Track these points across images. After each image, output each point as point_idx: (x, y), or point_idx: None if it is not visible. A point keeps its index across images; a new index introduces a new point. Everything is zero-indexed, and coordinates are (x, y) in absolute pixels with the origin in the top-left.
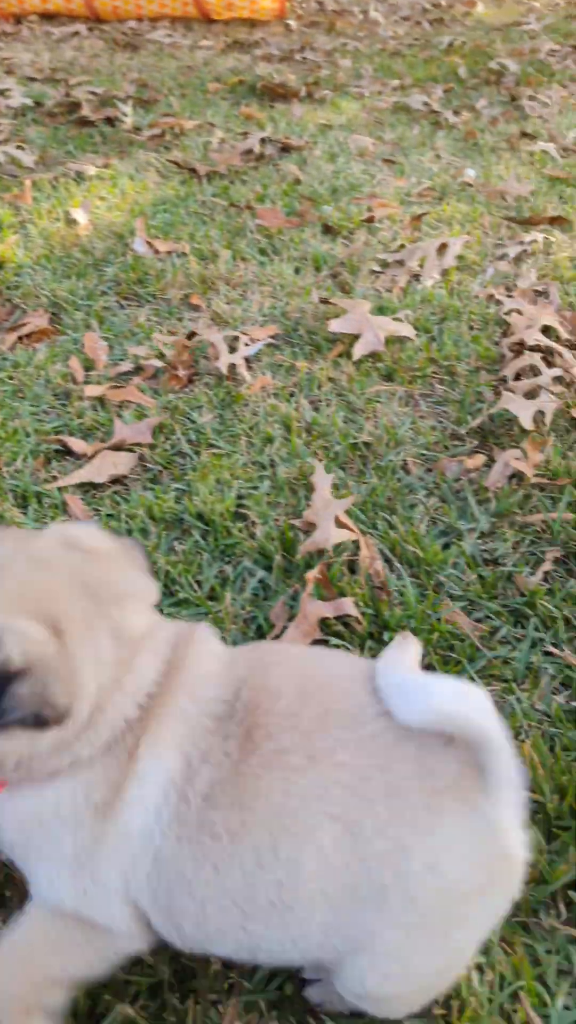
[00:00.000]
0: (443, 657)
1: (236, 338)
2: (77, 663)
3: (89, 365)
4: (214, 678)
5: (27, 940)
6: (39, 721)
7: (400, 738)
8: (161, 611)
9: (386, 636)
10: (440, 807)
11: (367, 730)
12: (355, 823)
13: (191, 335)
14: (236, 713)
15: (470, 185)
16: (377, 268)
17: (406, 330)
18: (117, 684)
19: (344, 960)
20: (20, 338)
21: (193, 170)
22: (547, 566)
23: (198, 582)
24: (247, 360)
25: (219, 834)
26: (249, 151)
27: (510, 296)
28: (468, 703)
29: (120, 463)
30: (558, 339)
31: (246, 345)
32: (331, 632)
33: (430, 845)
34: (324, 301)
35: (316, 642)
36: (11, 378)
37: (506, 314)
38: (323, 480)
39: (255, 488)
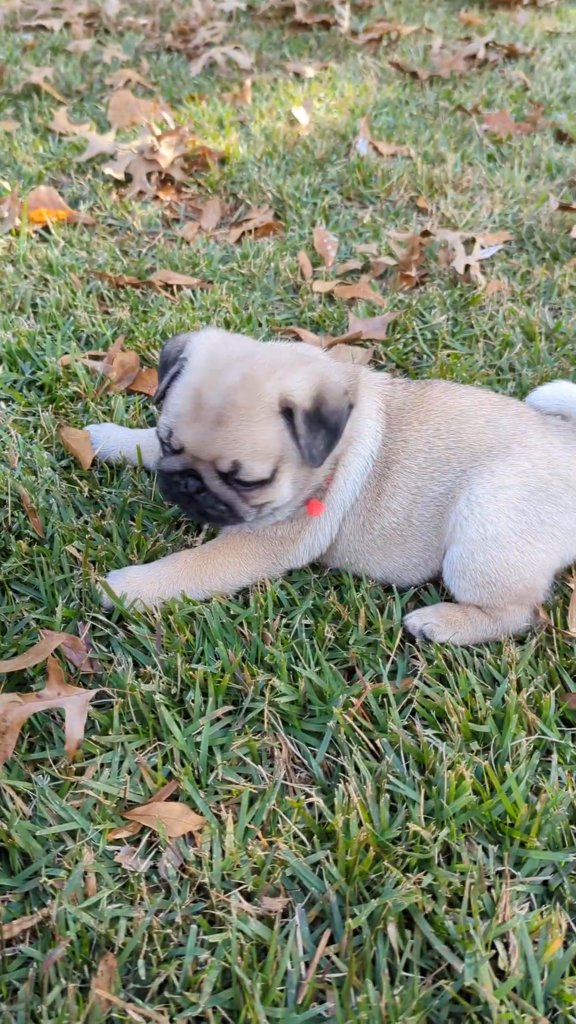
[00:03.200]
0: None
1: (471, 240)
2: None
3: (317, 261)
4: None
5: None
6: (351, 405)
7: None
8: None
9: None
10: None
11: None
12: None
13: (425, 233)
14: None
15: None
16: None
17: None
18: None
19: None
20: (245, 232)
21: (414, 74)
22: None
23: None
24: (480, 263)
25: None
26: (472, 56)
27: None
28: None
29: (356, 356)
30: None
31: (481, 248)
32: None
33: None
34: (565, 207)
35: None
36: (240, 269)
37: None
38: None
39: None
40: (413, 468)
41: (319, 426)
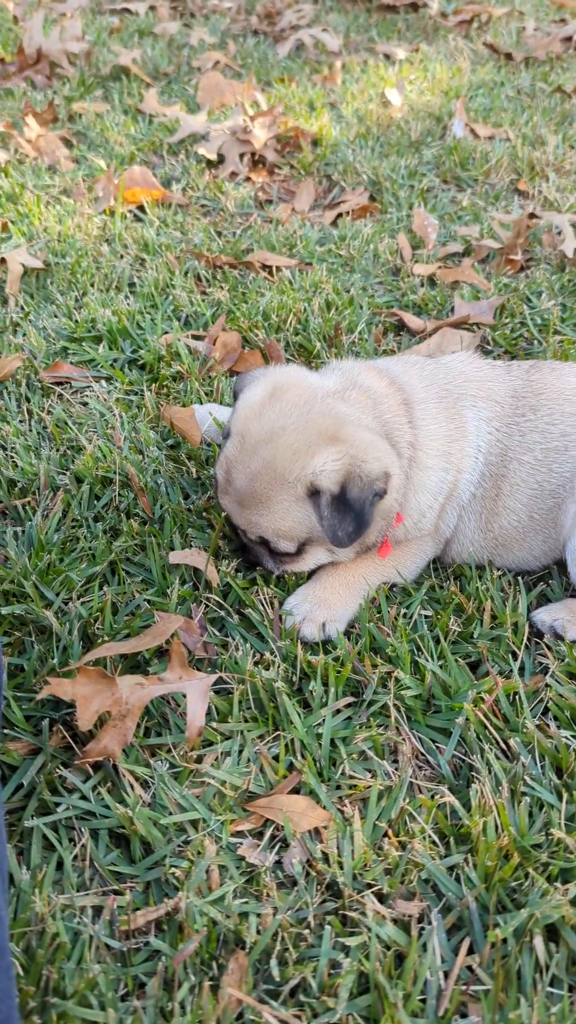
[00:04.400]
0: None
1: None
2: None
3: (417, 243)
4: None
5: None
6: (378, 495)
7: None
8: None
9: None
10: None
11: None
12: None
13: (532, 215)
14: None
15: None
16: None
17: None
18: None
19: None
20: (340, 214)
21: (508, 55)
22: None
23: None
24: None
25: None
26: (568, 38)
27: None
28: None
29: (464, 340)
30: None
31: None
32: None
33: None
34: None
35: None
36: (338, 250)
37: None
38: None
39: None
40: (530, 462)
41: (347, 509)
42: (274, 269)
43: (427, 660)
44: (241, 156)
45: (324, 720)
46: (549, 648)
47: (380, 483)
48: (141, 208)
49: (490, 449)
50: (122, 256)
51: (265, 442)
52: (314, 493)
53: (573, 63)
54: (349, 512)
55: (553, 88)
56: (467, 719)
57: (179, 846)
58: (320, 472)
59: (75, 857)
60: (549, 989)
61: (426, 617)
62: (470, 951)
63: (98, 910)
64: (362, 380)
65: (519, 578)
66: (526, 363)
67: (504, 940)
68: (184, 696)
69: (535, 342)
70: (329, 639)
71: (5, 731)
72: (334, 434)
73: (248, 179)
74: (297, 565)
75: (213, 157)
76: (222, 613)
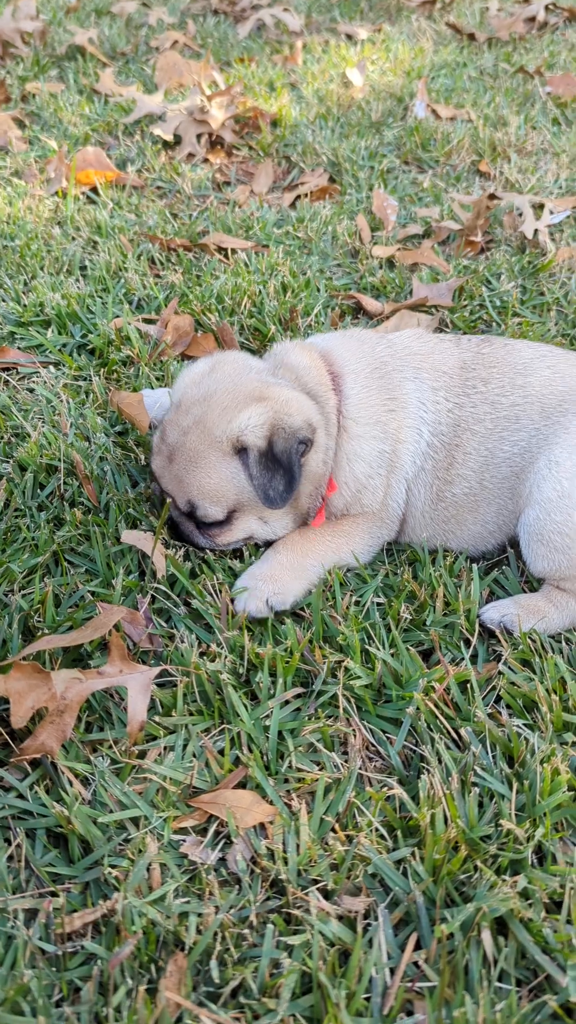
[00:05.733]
0: None
1: (540, 205)
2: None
3: (376, 225)
4: None
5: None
6: (303, 443)
7: None
8: None
9: None
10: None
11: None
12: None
13: (491, 197)
14: None
15: None
16: None
17: None
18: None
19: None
20: (299, 196)
21: (471, 36)
22: None
23: None
24: (549, 229)
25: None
26: (532, 18)
27: None
28: None
29: (423, 323)
30: None
31: (551, 213)
32: None
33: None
34: None
35: None
36: (296, 232)
37: None
38: None
39: None
40: (481, 431)
41: (276, 466)
42: (230, 252)
43: (378, 649)
44: (199, 137)
45: (272, 712)
46: (503, 636)
47: (304, 431)
48: (94, 190)
49: (438, 419)
50: (74, 239)
51: (198, 402)
52: (241, 450)
53: (536, 44)
54: (278, 468)
55: (516, 69)
56: (417, 708)
57: (119, 845)
58: (245, 427)
59: (10, 858)
60: (497, 984)
61: (378, 605)
62: (417, 946)
63: (33, 913)
64: (290, 358)
65: (473, 565)
66: (477, 337)
67: (451, 935)
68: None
69: (494, 324)
70: (274, 611)
71: None
72: (260, 394)
73: (206, 160)
74: (226, 536)
75: (169, 138)
76: (169, 604)
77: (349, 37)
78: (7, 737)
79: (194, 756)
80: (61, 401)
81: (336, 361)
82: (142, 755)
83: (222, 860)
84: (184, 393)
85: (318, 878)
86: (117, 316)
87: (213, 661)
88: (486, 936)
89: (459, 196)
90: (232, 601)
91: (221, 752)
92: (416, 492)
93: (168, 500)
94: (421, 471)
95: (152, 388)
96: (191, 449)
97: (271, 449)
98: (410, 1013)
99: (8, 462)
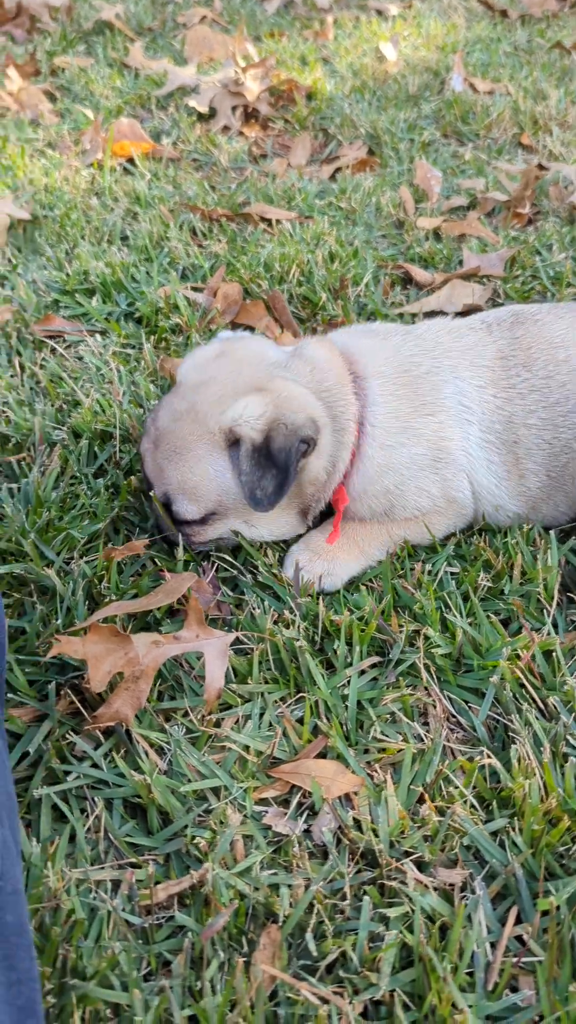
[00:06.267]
0: None
1: None
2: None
3: (420, 197)
4: None
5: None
6: (304, 442)
7: None
8: None
9: None
10: None
11: None
12: None
13: (540, 167)
14: None
15: None
16: None
17: None
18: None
19: None
20: (338, 169)
21: (503, 13)
22: None
23: None
24: None
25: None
26: None
27: None
28: None
29: (476, 293)
30: None
31: None
32: None
33: None
34: None
35: None
36: (339, 203)
37: None
38: None
39: None
40: (536, 423)
41: (269, 463)
42: (273, 222)
43: (456, 617)
44: (233, 109)
45: (349, 681)
46: None
47: (307, 430)
48: (130, 161)
49: (489, 418)
50: (112, 209)
51: (196, 388)
52: (234, 443)
53: (569, 20)
54: (271, 467)
55: (551, 44)
56: (502, 677)
57: (200, 815)
58: (240, 417)
59: (87, 829)
60: None
61: (452, 574)
62: (518, 920)
63: (115, 884)
64: (309, 352)
65: (549, 532)
66: (505, 318)
67: (557, 908)
68: (200, 656)
69: (548, 294)
70: (324, 592)
71: (8, 697)
72: (262, 385)
73: (241, 133)
74: (200, 537)
75: (204, 110)
76: (234, 572)
77: (379, 13)
78: (79, 705)
79: (272, 725)
80: (111, 368)
81: (359, 361)
82: (218, 724)
83: (307, 832)
84: (186, 376)
85: (411, 850)
86: (163, 284)
87: (288, 628)
88: None
89: (505, 166)
90: (283, 565)
91: (300, 721)
92: (487, 486)
93: (146, 484)
94: (488, 464)
95: None
96: (179, 437)
97: (268, 445)
98: (515, 989)
99: (61, 429)
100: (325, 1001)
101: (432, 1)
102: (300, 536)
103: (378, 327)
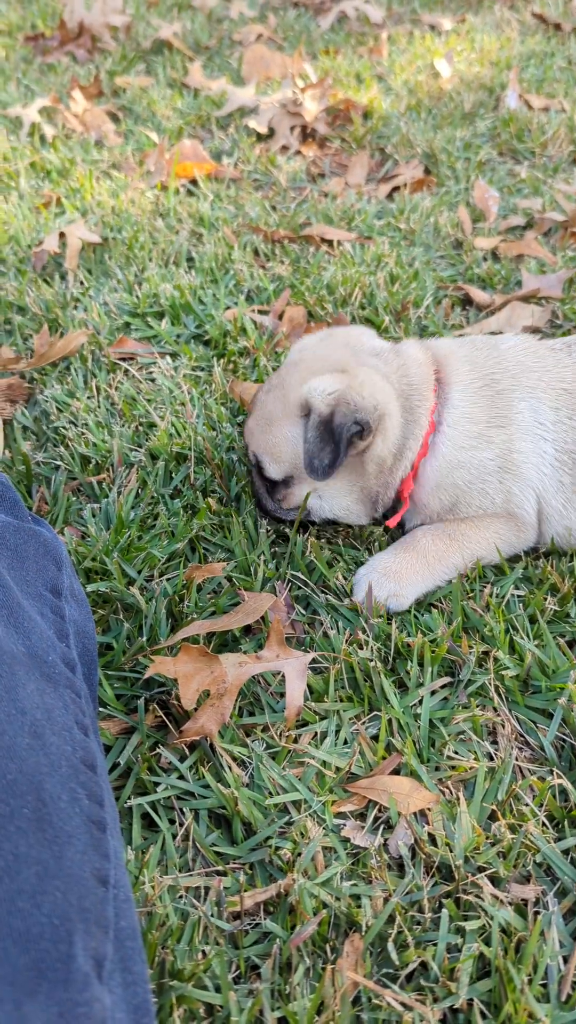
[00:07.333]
0: None
1: None
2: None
3: (477, 217)
4: None
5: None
6: (358, 424)
7: None
8: None
9: None
10: None
11: None
12: None
13: None
14: None
15: None
16: None
17: None
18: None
19: None
20: (396, 188)
21: (557, 26)
22: None
23: None
24: None
25: None
26: None
27: None
28: None
29: (535, 314)
30: None
31: None
32: None
33: None
34: None
35: None
36: (397, 224)
37: None
38: None
39: None
40: None
41: (329, 437)
42: (334, 243)
43: (524, 639)
44: (291, 129)
45: (422, 700)
46: None
47: (365, 414)
48: (193, 182)
49: (564, 438)
50: (178, 231)
51: (291, 365)
52: (307, 414)
53: None
54: (330, 441)
55: None
56: (569, 699)
57: (281, 827)
58: (314, 390)
59: (174, 837)
60: None
61: (519, 597)
62: None
63: (202, 891)
64: (405, 348)
65: None
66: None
67: None
68: (277, 674)
69: None
70: (391, 613)
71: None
72: (345, 367)
73: (299, 152)
74: (289, 500)
75: (264, 130)
76: (307, 591)
77: (433, 28)
78: (164, 719)
79: (346, 742)
80: (183, 391)
81: (446, 367)
82: (296, 740)
83: (383, 845)
84: (291, 355)
85: (485, 865)
86: (229, 307)
87: (361, 648)
88: None
89: (562, 186)
90: (352, 591)
91: (374, 738)
92: (556, 507)
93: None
94: (560, 484)
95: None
96: (268, 405)
97: (331, 419)
98: None
99: (139, 450)
100: (408, 1008)
101: (485, 14)
102: (367, 559)
103: (473, 340)
